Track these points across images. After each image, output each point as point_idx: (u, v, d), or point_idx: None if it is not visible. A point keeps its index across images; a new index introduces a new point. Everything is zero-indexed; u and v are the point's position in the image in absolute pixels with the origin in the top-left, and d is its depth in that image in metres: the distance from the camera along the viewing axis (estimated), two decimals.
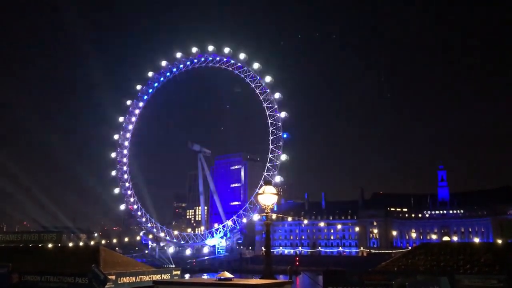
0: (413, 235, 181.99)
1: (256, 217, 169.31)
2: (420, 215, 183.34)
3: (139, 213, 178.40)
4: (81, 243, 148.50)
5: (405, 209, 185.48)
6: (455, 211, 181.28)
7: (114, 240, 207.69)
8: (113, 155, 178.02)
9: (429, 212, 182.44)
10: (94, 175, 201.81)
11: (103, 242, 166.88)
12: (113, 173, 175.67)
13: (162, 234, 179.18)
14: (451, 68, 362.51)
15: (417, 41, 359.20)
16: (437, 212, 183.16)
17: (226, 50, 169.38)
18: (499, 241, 23.92)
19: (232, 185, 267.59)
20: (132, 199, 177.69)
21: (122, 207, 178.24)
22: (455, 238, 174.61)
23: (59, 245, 35.31)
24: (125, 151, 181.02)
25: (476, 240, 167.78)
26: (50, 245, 35.49)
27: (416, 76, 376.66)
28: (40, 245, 34.59)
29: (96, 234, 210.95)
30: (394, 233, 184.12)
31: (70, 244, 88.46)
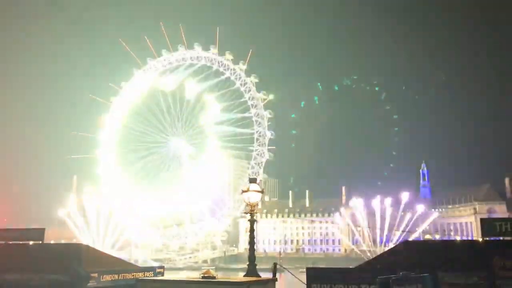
0: (396, 233, 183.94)
1: (240, 214, 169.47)
2: (402, 213, 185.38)
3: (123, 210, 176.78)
4: (63, 240, 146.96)
5: (388, 208, 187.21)
6: (437, 210, 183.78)
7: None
8: (97, 152, 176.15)
9: (412, 210, 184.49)
10: (75, 171, 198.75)
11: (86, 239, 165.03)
12: (98, 171, 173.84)
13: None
14: None
15: None
16: (419, 210, 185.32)
17: (212, 48, 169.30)
18: (480, 239, 24.35)
19: (216, 184, 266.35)
20: (118, 198, 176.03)
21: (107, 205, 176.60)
22: (437, 236, 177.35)
23: (41, 242, 34.73)
24: (109, 149, 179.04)
25: (458, 238, 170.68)
26: (31, 243, 34.94)
27: None
28: (21, 243, 34.02)
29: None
30: (378, 230, 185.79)
31: (53, 242, 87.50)
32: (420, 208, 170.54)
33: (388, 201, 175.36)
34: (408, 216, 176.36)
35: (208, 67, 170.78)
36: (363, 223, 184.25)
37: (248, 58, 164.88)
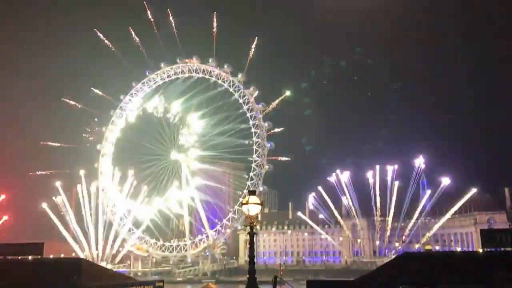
0: (396, 244, 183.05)
1: (240, 227, 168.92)
2: (403, 224, 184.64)
3: (122, 223, 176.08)
4: (62, 255, 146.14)
5: (388, 218, 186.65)
6: (437, 220, 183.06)
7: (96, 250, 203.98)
8: (96, 165, 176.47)
9: (412, 220, 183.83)
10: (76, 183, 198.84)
11: (85, 253, 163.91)
12: (96, 184, 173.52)
13: (145, 245, 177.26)
14: None
15: None
16: (419, 221, 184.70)
17: (211, 60, 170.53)
18: (480, 250, 24.27)
19: (216, 196, 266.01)
20: (115, 209, 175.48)
21: (105, 216, 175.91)
22: (437, 247, 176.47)
23: (40, 257, 34.52)
24: (106, 160, 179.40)
25: (458, 249, 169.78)
26: (30, 257, 34.77)
27: None
28: (20, 258, 33.83)
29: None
30: (378, 242, 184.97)
31: (52, 256, 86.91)
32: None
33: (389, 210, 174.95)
34: (408, 225, 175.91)
35: (207, 79, 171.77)
36: (363, 233, 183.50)
37: (246, 69, 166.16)
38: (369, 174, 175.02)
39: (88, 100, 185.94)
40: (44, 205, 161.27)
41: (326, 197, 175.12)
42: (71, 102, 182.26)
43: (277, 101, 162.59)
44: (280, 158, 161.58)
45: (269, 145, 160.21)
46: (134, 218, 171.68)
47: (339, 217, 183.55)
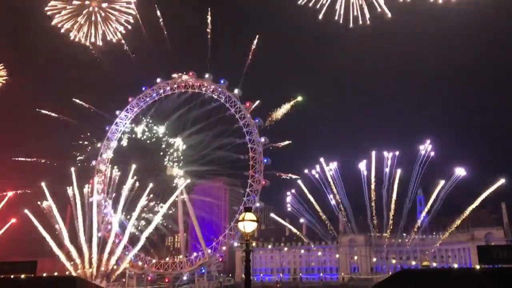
0: (393, 260, 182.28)
1: (236, 244, 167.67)
2: (400, 240, 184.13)
3: (116, 240, 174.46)
4: (56, 273, 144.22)
5: (385, 234, 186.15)
6: (434, 236, 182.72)
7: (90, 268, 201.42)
8: (91, 181, 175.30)
9: (409, 237, 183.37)
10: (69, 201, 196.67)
11: (78, 271, 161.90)
12: (91, 199, 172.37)
13: (140, 263, 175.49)
14: None
15: None
16: (416, 236, 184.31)
17: (207, 75, 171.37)
18: (477, 267, 24.13)
19: (212, 212, 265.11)
20: (109, 226, 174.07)
21: (99, 234, 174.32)
22: (434, 264, 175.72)
23: (33, 275, 34.00)
24: (103, 177, 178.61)
25: (455, 265, 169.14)
26: (23, 276, 34.24)
27: None
28: (12, 277, 33.31)
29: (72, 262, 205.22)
30: (375, 259, 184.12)
31: (45, 274, 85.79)
32: (417, 234, 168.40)
33: (386, 226, 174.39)
34: (404, 242, 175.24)
35: (203, 94, 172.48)
36: (359, 250, 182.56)
37: (242, 80, 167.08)
38: (362, 165, 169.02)
39: (80, 115, 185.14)
40: (38, 224, 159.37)
41: (307, 192, 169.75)
42: (53, 114, 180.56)
43: (288, 106, 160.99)
44: (280, 144, 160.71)
45: (265, 160, 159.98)
46: (130, 235, 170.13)
47: (326, 221, 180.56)
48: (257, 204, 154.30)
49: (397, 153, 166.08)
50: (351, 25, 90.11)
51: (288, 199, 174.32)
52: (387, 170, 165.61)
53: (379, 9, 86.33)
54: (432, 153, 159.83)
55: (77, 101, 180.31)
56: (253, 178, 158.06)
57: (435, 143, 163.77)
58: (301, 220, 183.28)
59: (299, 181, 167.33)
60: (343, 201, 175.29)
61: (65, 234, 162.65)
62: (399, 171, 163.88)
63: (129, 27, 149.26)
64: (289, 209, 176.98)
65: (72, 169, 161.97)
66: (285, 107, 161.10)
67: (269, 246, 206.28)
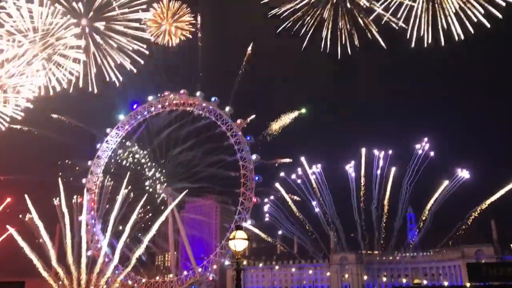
0: (384, 278, 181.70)
1: (227, 262, 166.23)
2: (391, 258, 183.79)
3: (106, 259, 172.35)
4: None
5: (376, 252, 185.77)
6: (425, 253, 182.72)
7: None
8: (80, 199, 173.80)
9: (399, 254, 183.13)
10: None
11: None
12: (80, 218, 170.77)
13: (130, 282, 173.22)
14: None
15: None
16: (407, 254, 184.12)
17: (198, 93, 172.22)
18: (468, 284, 24.35)
19: (203, 230, 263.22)
20: (99, 245, 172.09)
21: (89, 252, 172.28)
22: (425, 281, 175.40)
23: None
24: (93, 195, 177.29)
25: (446, 283, 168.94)
26: None
27: None
28: None
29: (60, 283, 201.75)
30: (366, 277, 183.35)
31: None
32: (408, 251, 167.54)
33: (376, 244, 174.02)
34: (396, 260, 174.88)
35: (194, 112, 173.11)
36: (351, 268, 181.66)
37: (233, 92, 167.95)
38: (350, 168, 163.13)
39: (69, 133, 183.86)
40: (23, 244, 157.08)
41: (285, 196, 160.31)
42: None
43: (290, 118, 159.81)
44: (281, 160, 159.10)
45: (256, 178, 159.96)
46: (120, 254, 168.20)
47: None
48: (248, 222, 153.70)
49: (390, 152, 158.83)
50: (339, 56, 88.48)
51: (267, 207, 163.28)
52: (378, 172, 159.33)
53: (370, 38, 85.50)
54: (432, 153, 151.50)
55: (55, 116, 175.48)
56: (244, 196, 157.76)
57: (433, 143, 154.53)
58: (279, 232, 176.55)
59: (277, 185, 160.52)
60: (330, 212, 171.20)
61: (53, 254, 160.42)
62: (392, 170, 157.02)
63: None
64: (266, 219, 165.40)
65: (61, 188, 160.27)
66: (285, 119, 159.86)
67: (260, 265, 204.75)
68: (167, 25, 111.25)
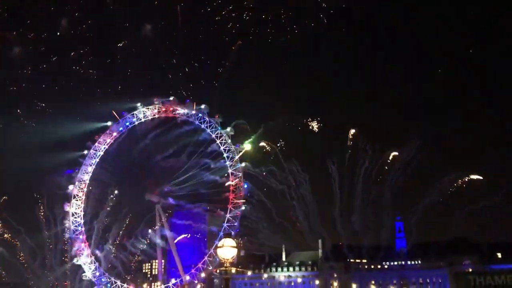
0: (372, 287, 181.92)
1: (215, 271, 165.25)
2: (379, 266, 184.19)
3: (92, 267, 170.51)
4: None
5: (364, 261, 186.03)
6: (413, 262, 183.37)
7: None
8: (66, 207, 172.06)
9: (388, 263, 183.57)
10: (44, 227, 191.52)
11: None
12: (66, 224, 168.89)
13: None
14: None
15: None
16: (395, 263, 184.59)
17: (187, 100, 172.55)
18: None
19: (191, 237, 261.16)
20: (85, 253, 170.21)
21: (75, 260, 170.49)
22: None
23: None
24: (79, 202, 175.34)
25: None
26: None
27: None
28: None
29: None
30: (354, 286, 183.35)
31: None
32: (396, 260, 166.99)
33: (365, 253, 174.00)
34: (384, 268, 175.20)
35: (185, 120, 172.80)
36: (339, 277, 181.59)
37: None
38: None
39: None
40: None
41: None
42: None
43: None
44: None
45: (245, 186, 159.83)
46: (106, 262, 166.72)
47: None
48: (237, 230, 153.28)
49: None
50: None
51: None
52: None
53: None
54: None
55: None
56: (233, 203, 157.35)
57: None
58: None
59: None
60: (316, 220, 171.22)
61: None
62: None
63: None
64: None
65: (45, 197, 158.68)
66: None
67: (249, 273, 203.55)
68: None
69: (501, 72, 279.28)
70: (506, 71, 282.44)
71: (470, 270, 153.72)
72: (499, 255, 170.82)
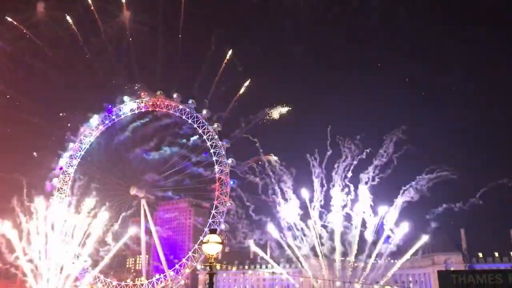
0: (356, 285, 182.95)
1: (199, 266, 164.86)
2: (363, 265, 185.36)
3: (75, 261, 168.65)
4: None
5: (349, 258, 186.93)
6: (397, 261, 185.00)
7: None
8: (51, 200, 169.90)
9: (372, 261, 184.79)
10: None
11: None
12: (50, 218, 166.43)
13: (100, 285, 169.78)
14: None
15: None
16: (380, 261, 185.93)
17: (175, 95, 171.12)
18: None
19: (176, 232, 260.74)
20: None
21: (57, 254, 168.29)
22: None
23: None
24: (64, 195, 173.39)
25: None
26: None
27: None
28: None
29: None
30: (338, 283, 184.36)
31: None
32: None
33: None
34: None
35: (172, 114, 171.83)
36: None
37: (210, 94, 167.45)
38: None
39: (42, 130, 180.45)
40: None
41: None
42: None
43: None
44: (269, 157, 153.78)
45: (231, 182, 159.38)
46: (89, 256, 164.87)
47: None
48: (222, 226, 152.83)
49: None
50: None
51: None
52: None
53: None
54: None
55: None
56: (219, 199, 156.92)
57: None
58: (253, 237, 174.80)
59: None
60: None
61: (21, 255, 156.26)
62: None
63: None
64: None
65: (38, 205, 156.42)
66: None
67: (233, 269, 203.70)
68: None
69: None
70: None
71: (452, 268, 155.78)
72: (480, 254, 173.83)
